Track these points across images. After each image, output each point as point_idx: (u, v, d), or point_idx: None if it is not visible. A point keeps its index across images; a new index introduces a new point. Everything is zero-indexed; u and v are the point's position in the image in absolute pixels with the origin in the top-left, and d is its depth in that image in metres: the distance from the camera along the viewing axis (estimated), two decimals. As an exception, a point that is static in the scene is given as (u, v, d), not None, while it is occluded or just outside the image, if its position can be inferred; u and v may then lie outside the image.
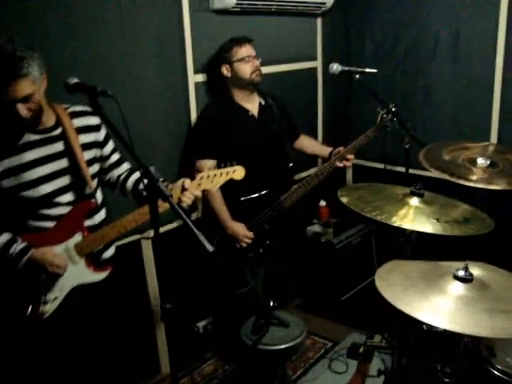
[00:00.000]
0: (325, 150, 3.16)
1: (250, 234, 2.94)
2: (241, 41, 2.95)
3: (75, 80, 1.88)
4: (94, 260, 2.18)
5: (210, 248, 1.60)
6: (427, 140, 2.87)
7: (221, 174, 2.15)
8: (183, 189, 2.07)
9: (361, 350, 3.34)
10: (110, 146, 2.27)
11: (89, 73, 2.52)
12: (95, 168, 2.19)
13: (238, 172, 2.19)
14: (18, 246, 2.00)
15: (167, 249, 2.91)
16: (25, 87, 1.84)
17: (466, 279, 1.70)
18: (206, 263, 2.91)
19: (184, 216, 1.62)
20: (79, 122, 2.13)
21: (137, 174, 2.29)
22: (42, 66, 1.90)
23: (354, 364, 3.27)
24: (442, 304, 1.65)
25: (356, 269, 4.00)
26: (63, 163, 2.07)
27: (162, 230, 2.96)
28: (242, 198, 2.97)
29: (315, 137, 4.14)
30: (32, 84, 1.86)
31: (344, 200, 2.13)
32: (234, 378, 3.30)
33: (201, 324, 3.43)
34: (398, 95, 3.74)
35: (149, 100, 2.91)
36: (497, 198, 2.51)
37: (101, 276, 2.20)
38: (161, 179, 1.68)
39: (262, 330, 2.83)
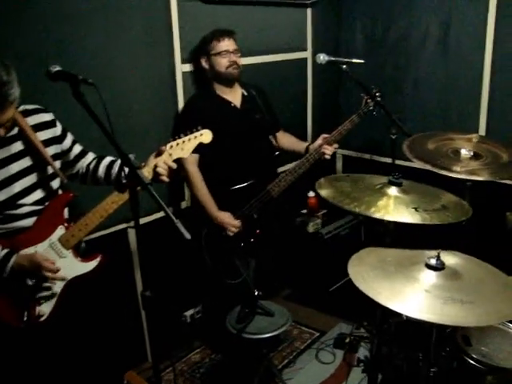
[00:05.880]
0: (301, 145, 3.16)
1: (237, 223, 2.96)
2: (220, 35, 2.96)
3: (57, 68, 1.86)
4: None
5: (187, 236, 1.58)
6: (417, 131, 2.86)
7: (189, 139, 2.09)
8: (157, 154, 2.03)
9: (347, 340, 3.39)
10: (69, 138, 2.20)
11: (74, 62, 2.51)
12: (57, 165, 2.12)
13: (205, 135, 2.13)
14: (0, 252, 1.93)
15: (157, 238, 2.88)
16: (10, 112, 1.81)
17: (437, 268, 1.72)
18: (196, 253, 2.94)
19: (162, 203, 1.62)
20: (33, 119, 2.06)
21: (107, 160, 2.24)
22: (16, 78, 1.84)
23: (341, 354, 3.32)
24: (405, 290, 1.67)
25: (344, 260, 3.99)
26: (25, 162, 2.01)
27: (152, 218, 2.98)
28: (230, 188, 2.98)
29: (304, 127, 4.15)
30: (14, 106, 1.82)
31: (322, 193, 2.13)
32: (220, 367, 3.31)
33: (188, 313, 3.45)
34: (387, 86, 3.71)
35: (136, 89, 2.90)
36: (480, 189, 2.52)
37: (92, 265, 2.15)
38: (141, 163, 1.67)
39: (246, 319, 2.86)
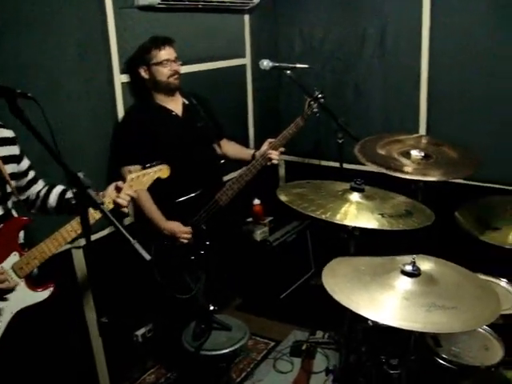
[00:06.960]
0: (247, 152, 3.14)
1: (188, 229, 2.87)
2: (160, 43, 2.86)
3: (-10, 82, 1.73)
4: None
5: (147, 257, 1.54)
6: (360, 135, 2.88)
7: (148, 173, 2.13)
8: (118, 189, 2.00)
9: (303, 347, 3.35)
10: (26, 161, 2.10)
11: (5, 77, 2.33)
12: (12, 184, 1.99)
13: (163, 171, 2.19)
14: None
15: (100, 257, 2.76)
16: None
17: (414, 274, 1.69)
18: (144, 270, 2.82)
19: (118, 224, 1.54)
20: None
21: (59, 188, 2.17)
22: None
23: (298, 362, 3.28)
24: (384, 299, 1.65)
25: (293, 266, 3.99)
26: None
27: (94, 237, 2.83)
28: (177, 200, 2.89)
29: (246, 134, 4.10)
30: None
31: (284, 199, 2.08)
32: (177, 387, 3.20)
33: (139, 332, 3.31)
34: (328, 91, 3.71)
35: (73, 102, 2.75)
36: (431, 189, 2.55)
37: (44, 295, 2.01)
38: (90, 188, 1.60)
39: (203, 336, 2.76)
